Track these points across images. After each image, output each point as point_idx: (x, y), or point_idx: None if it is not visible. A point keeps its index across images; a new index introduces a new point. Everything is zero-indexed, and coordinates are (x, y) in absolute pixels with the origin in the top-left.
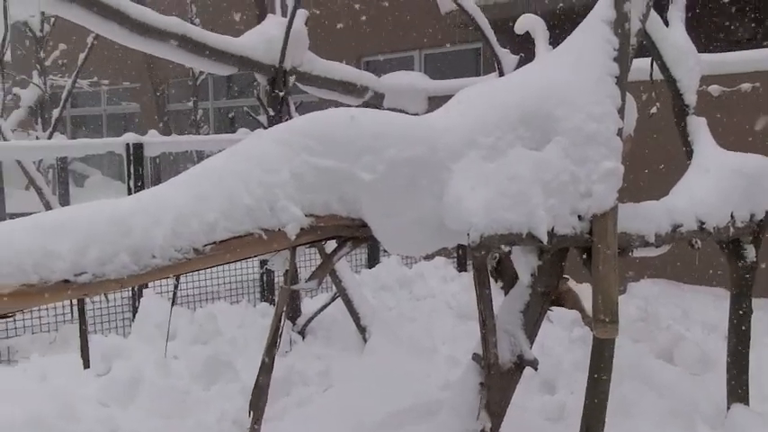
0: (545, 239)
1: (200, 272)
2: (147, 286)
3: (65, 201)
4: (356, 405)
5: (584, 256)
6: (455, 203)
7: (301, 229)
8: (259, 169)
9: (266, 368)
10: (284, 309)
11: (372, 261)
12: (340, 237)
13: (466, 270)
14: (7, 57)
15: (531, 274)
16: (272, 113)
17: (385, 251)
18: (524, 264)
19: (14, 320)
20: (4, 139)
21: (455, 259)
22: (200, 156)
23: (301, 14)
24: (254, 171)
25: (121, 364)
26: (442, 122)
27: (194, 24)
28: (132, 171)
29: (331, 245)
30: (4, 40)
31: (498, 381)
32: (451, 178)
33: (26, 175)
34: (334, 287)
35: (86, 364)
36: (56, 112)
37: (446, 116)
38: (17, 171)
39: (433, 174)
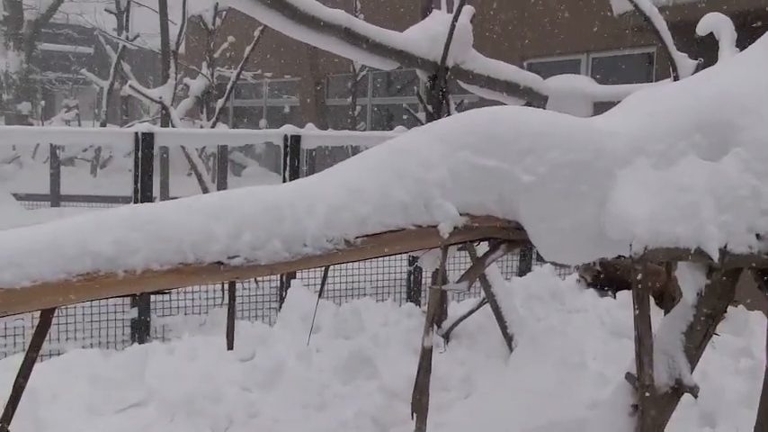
0: (715, 257)
1: (348, 267)
2: (294, 277)
3: (222, 189)
4: (496, 416)
5: (766, 279)
6: (618, 212)
7: (455, 228)
8: (416, 165)
9: (425, 366)
10: (436, 309)
11: (524, 269)
12: (494, 239)
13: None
14: (181, 49)
15: (698, 294)
16: (431, 111)
17: (538, 260)
18: (691, 282)
19: (170, 300)
20: (173, 126)
21: None
22: (356, 151)
23: (467, 11)
24: (411, 166)
25: (265, 351)
26: (609, 126)
27: (358, 18)
28: (288, 163)
29: (483, 248)
30: (180, 32)
31: (653, 405)
32: (615, 185)
33: (189, 162)
34: (482, 292)
35: (230, 346)
36: (220, 103)
37: (613, 120)
38: (181, 157)
39: (595, 179)
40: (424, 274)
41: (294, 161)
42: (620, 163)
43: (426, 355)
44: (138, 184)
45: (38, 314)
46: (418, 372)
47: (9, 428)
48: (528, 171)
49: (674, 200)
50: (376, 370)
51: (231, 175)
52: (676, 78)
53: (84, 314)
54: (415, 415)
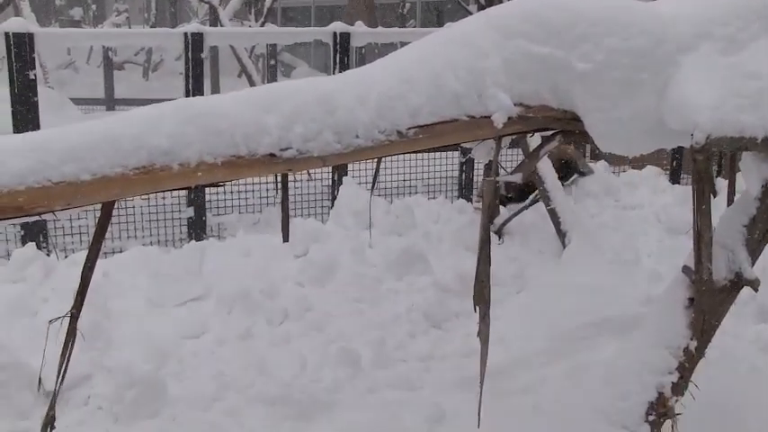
0: None
1: (400, 163)
2: (346, 173)
3: None
4: (549, 311)
5: None
6: (680, 100)
7: (509, 118)
8: (469, 54)
9: (484, 257)
10: (491, 201)
11: None
12: (548, 130)
13: (680, 183)
14: None
15: (763, 186)
16: (483, 4)
17: (594, 155)
18: (755, 173)
19: (224, 199)
20: (221, 26)
21: (668, 170)
22: None
23: None
24: (464, 56)
25: (318, 247)
26: (672, 10)
27: None
28: (338, 60)
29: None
30: None
31: (710, 298)
32: (677, 73)
33: (239, 63)
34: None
35: (285, 238)
36: (268, 2)
37: (677, 3)
38: (231, 59)
39: (656, 67)
40: (475, 171)
41: (344, 59)
42: (684, 49)
43: (485, 246)
44: (189, 86)
45: (99, 208)
46: (478, 263)
47: (79, 316)
48: (584, 59)
49: (741, 87)
50: (428, 266)
51: (281, 76)
52: None
53: (143, 213)
54: (477, 307)
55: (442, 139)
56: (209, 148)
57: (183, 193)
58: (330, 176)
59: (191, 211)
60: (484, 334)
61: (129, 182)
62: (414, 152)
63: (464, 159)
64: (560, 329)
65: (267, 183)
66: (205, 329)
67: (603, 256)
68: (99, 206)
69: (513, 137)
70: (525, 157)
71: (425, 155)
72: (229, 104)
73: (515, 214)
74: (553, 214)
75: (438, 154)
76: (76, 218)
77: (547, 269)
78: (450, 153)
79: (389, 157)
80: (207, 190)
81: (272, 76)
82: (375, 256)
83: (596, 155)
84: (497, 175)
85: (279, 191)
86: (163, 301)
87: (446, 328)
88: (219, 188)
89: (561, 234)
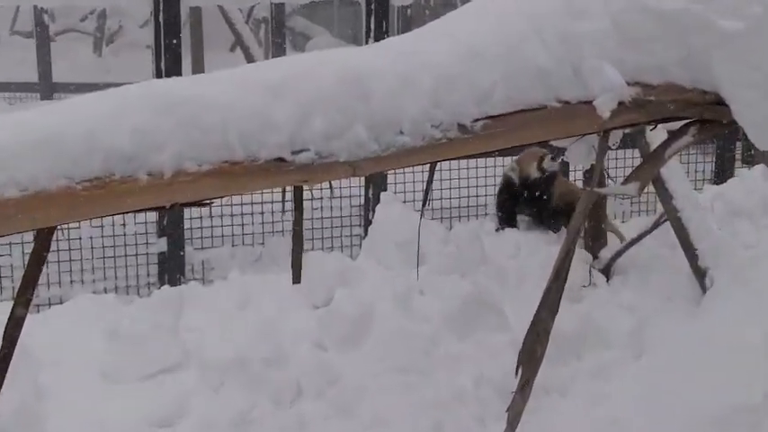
0: None
1: (462, 173)
2: (386, 187)
3: None
4: (683, 384)
5: None
6: None
7: (620, 103)
8: (561, 13)
9: (550, 300)
10: (584, 218)
11: (722, 171)
12: (677, 120)
13: None
14: None
15: None
16: None
17: (744, 162)
18: None
19: (211, 226)
20: None
21: None
22: None
23: None
24: (554, 16)
25: (346, 293)
26: None
27: None
28: (373, 26)
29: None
30: None
31: None
32: None
33: (232, 31)
34: (658, 206)
35: (296, 278)
36: None
37: None
38: (221, 28)
39: None
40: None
41: (381, 24)
42: None
43: (555, 282)
44: (161, 65)
45: (31, 238)
46: (540, 306)
47: None
48: (731, 14)
49: None
50: (503, 319)
51: (292, 49)
52: None
53: (94, 246)
54: (519, 368)
55: (522, 135)
56: (190, 151)
57: (153, 217)
58: (363, 191)
59: (163, 244)
60: (514, 411)
61: (76, 199)
62: (482, 155)
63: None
64: (703, 413)
65: (273, 201)
66: (183, 413)
67: (762, 304)
68: (31, 235)
69: (626, 131)
70: (643, 161)
71: (498, 159)
72: (219, 89)
73: (631, 243)
74: (686, 243)
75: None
76: None
77: (678, 323)
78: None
79: (447, 165)
80: (187, 212)
81: (278, 50)
82: (427, 306)
83: (749, 156)
84: (602, 184)
85: (290, 212)
86: (122, 374)
87: (530, 408)
88: (205, 209)
89: (699, 272)
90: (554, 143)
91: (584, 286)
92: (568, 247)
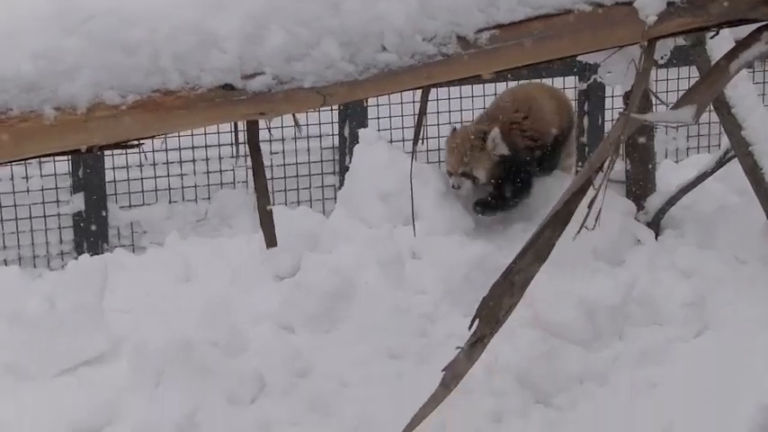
0: None
1: (463, 102)
2: (366, 122)
3: None
4: (751, 376)
5: None
6: None
7: (668, 3)
8: None
9: (537, 245)
10: (615, 150)
11: None
12: (746, 23)
13: None
14: None
15: None
16: None
17: None
18: None
19: (141, 179)
20: None
21: None
22: None
23: None
24: None
25: (318, 260)
26: None
27: None
28: None
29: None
30: None
31: None
32: None
33: None
34: (723, 139)
35: (271, 241)
36: None
37: None
38: None
39: None
40: (606, 111)
41: None
42: None
43: (549, 225)
44: None
45: None
46: (522, 250)
47: None
48: None
49: None
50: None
51: None
52: None
53: None
54: (476, 323)
55: (541, 50)
56: (110, 79)
57: (65, 166)
58: (337, 129)
59: (79, 202)
60: (453, 372)
61: None
62: (488, 79)
63: (584, 86)
64: None
65: (220, 144)
66: (113, 416)
67: None
68: None
69: (677, 39)
70: (700, 78)
71: (510, 82)
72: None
73: (688, 188)
74: (760, 187)
75: (532, 79)
76: None
77: (750, 292)
78: (556, 76)
79: (443, 93)
80: (109, 160)
81: None
82: (423, 274)
83: None
84: (646, 109)
85: (243, 157)
86: (32, 368)
87: (559, 403)
88: (133, 155)
89: None
90: (583, 58)
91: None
92: (581, 183)
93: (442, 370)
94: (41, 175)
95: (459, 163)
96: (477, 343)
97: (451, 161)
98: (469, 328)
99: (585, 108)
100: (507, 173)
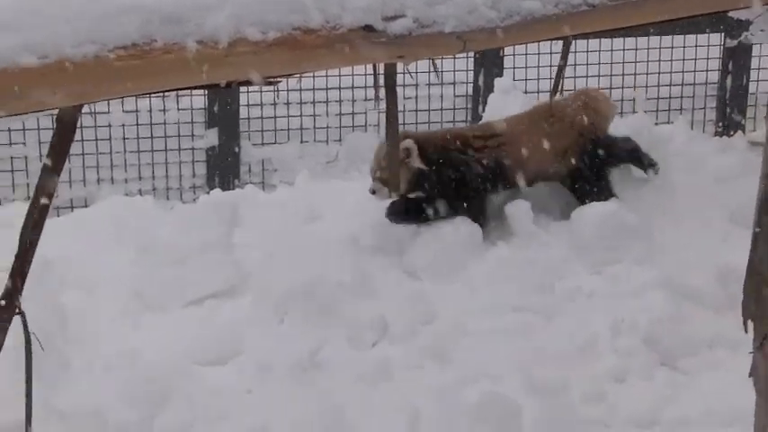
0: None
1: (600, 56)
2: (501, 72)
3: None
4: None
5: None
6: None
7: None
8: None
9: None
10: None
11: None
12: None
13: None
14: None
15: None
16: None
17: None
18: None
19: (274, 118)
20: None
21: None
22: None
23: None
24: None
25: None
26: None
27: None
28: None
29: None
30: None
31: None
32: None
33: None
34: None
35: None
36: None
37: None
38: None
39: None
40: (751, 72)
41: None
42: None
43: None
44: None
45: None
46: (754, 241)
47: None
48: None
49: None
50: (652, 248)
51: None
52: None
53: (127, 137)
54: (748, 324)
55: (693, 3)
56: (252, 14)
57: (202, 101)
58: (472, 76)
59: (213, 137)
60: (762, 374)
61: (107, 71)
62: (635, 29)
63: (734, 44)
64: None
65: (354, 87)
66: (236, 350)
67: None
68: (49, 119)
69: None
70: None
71: (648, 37)
72: None
73: None
74: None
75: (674, 35)
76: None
77: None
78: (698, 33)
79: (581, 45)
80: (244, 96)
81: None
82: (551, 228)
83: None
84: None
85: (377, 100)
86: (160, 298)
87: (686, 367)
88: (269, 94)
89: None
90: (734, 14)
91: None
92: None
93: (749, 376)
94: (178, 109)
95: (378, 168)
96: (765, 341)
97: (372, 165)
98: (746, 331)
99: (729, 68)
100: (432, 188)
